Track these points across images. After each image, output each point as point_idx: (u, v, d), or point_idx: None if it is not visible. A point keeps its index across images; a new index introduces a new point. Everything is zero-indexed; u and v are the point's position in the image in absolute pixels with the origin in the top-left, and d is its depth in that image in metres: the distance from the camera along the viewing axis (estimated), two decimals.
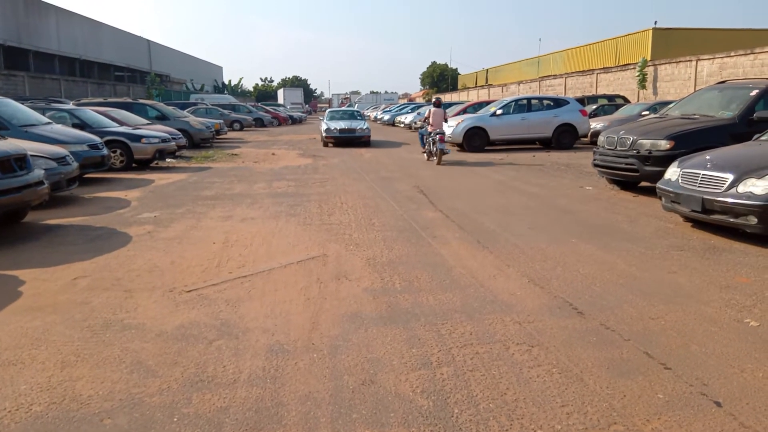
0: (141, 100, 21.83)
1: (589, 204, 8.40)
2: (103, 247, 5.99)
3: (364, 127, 20.56)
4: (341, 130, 20.12)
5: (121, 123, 14.44)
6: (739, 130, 8.22)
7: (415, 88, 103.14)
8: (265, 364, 3.28)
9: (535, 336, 3.64)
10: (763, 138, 7.10)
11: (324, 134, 20.41)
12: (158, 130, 14.97)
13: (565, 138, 18.01)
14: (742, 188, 5.76)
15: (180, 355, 3.39)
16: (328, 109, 25.90)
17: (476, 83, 59.28)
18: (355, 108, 42.36)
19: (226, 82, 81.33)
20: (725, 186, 5.90)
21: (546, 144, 18.33)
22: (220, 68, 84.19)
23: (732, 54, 22.07)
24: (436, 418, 2.70)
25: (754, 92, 8.82)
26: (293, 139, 25.63)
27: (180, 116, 20.25)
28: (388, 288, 4.66)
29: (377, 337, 3.67)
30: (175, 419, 2.69)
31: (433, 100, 15.97)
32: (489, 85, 52.48)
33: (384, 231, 6.71)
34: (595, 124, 18.61)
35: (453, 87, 70.91)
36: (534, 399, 2.86)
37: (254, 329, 3.79)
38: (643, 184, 9.25)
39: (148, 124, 16.18)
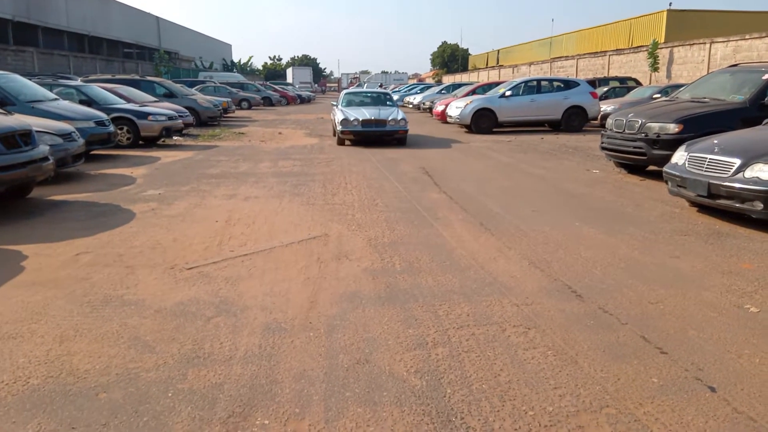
0: (149, 78, 21.76)
1: (595, 187, 8.34)
2: (106, 224, 6.02)
3: (399, 118, 13.99)
4: (365, 122, 13.74)
5: (128, 100, 14.44)
6: (750, 114, 8.08)
7: (425, 68, 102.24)
8: (261, 341, 3.30)
9: (533, 318, 3.64)
10: None
11: (339, 127, 13.93)
12: (165, 107, 14.96)
13: (575, 120, 17.84)
14: (749, 173, 5.69)
15: (178, 331, 3.42)
16: (344, 91, 17.84)
17: (487, 64, 58.68)
18: (365, 87, 41.48)
19: (236, 61, 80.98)
20: (732, 171, 5.82)
21: (555, 126, 18.16)
22: (230, 46, 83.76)
23: (747, 37, 21.68)
24: (428, 398, 2.71)
25: (766, 76, 8.66)
26: (301, 118, 25.55)
27: (188, 94, 20.19)
28: (388, 268, 4.66)
29: (374, 317, 3.68)
30: (170, 394, 2.72)
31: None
32: (500, 66, 51.94)
33: (387, 212, 6.70)
34: (606, 107, 18.40)
35: (464, 68, 70.23)
36: (527, 381, 2.86)
37: (253, 307, 3.81)
38: (651, 168, 9.15)
39: (155, 101, 16.16)
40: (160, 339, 3.31)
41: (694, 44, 24.87)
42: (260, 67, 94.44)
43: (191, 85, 26.36)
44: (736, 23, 28.12)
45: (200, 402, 2.66)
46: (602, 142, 9.64)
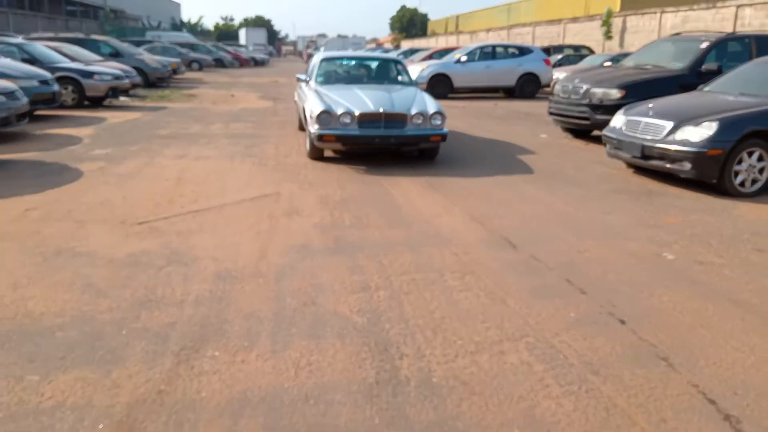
0: (94, 36, 20.89)
1: (542, 151, 8.67)
2: (54, 182, 5.98)
3: (429, 111, 7.16)
4: (366, 118, 6.96)
5: (72, 59, 13.92)
6: (689, 80, 8.50)
7: (384, 32, 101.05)
8: (212, 287, 3.46)
9: (469, 265, 3.91)
10: (706, 89, 7.42)
11: (314, 127, 6.96)
12: (112, 67, 14.50)
13: (528, 87, 18.18)
14: (679, 135, 6.06)
15: (130, 279, 3.54)
16: (320, 54, 10.07)
17: (446, 29, 58.44)
18: (322, 50, 39.87)
19: (185, 20, 78.10)
20: (664, 133, 6.19)
21: (509, 93, 18.47)
22: (178, 5, 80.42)
23: (695, 7, 22.34)
24: (368, 332, 2.95)
25: (704, 45, 9.12)
26: (254, 81, 25.09)
27: (135, 54, 19.53)
28: (338, 223, 4.85)
29: (322, 265, 3.88)
30: (124, 332, 2.87)
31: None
32: (459, 31, 51.86)
33: (339, 172, 6.85)
34: (558, 74, 18.78)
35: (423, 33, 69.77)
36: (459, 317, 3.14)
37: (204, 258, 3.95)
38: (596, 132, 9.54)
39: (101, 60, 15.62)
40: (112, 286, 3.43)
41: (645, 13, 25.46)
42: (211, 28, 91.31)
43: (138, 44, 25.40)
44: None
45: (153, 338, 2.83)
46: (550, 107, 9.98)
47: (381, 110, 6.95)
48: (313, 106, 7.10)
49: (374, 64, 9.64)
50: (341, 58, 10.02)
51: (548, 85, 18.84)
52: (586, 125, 9.18)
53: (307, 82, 8.66)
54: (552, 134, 10.36)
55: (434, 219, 5.02)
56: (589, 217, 5.19)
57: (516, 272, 3.80)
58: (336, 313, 3.17)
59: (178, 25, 71.76)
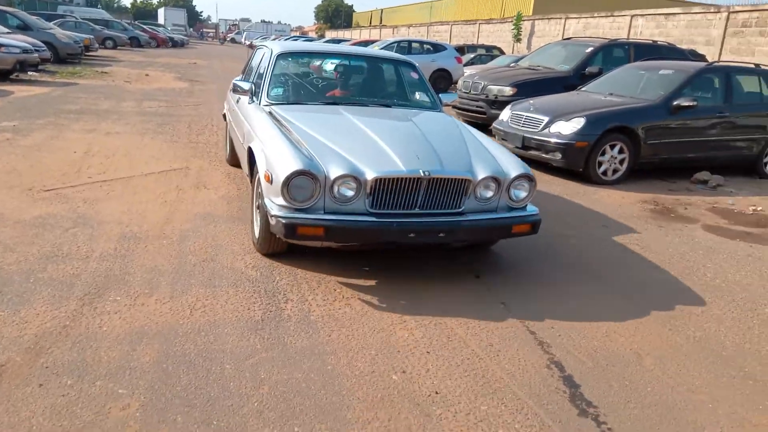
0: (1, 8, 19.70)
1: None
2: None
3: (510, 174, 3.56)
4: (385, 188, 3.28)
5: None
6: (573, 81, 9.47)
7: (308, 21, 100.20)
8: (117, 246, 3.77)
9: None
10: (583, 89, 8.35)
11: (277, 202, 3.24)
12: (19, 40, 13.89)
13: (440, 83, 19.00)
14: (553, 128, 6.88)
15: (37, 237, 3.78)
16: (274, 46, 5.06)
17: (371, 22, 59.06)
18: (245, 35, 37.88)
19: None
20: (541, 126, 7.00)
21: None
22: None
23: (595, 15, 24.12)
24: (260, 283, 3.39)
25: (588, 49, 10.15)
26: (171, 62, 24.47)
27: (45, 27, 18.65)
28: (243, 196, 5.20)
29: (224, 230, 4.26)
30: (31, 280, 3.15)
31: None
32: (382, 25, 52.57)
33: None
34: (469, 72, 19.78)
35: (347, 24, 70.02)
36: (345, 273, 3.63)
37: (110, 222, 4.22)
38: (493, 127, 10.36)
39: (8, 33, 14.87)
40: (20, 243, 3.66)
41: (551, 19, 27.15)
42: (128, 5, 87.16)
43: (49, 18, 24.14)
44: (593, 1, 30.86)
45: (59, 286, 3.13)
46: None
47: (422, 172, 3.34)
48: (275, 158, 3.45)
49: (371, 68, 5.46)
50: (312, 54, 5.88)
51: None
52: (483, 119, 9.96)
53: (252, 96, 4.69)
54: None
55: None
56: None
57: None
58: (233, 268, 3.58)
59: (93, 1, 67.94)
